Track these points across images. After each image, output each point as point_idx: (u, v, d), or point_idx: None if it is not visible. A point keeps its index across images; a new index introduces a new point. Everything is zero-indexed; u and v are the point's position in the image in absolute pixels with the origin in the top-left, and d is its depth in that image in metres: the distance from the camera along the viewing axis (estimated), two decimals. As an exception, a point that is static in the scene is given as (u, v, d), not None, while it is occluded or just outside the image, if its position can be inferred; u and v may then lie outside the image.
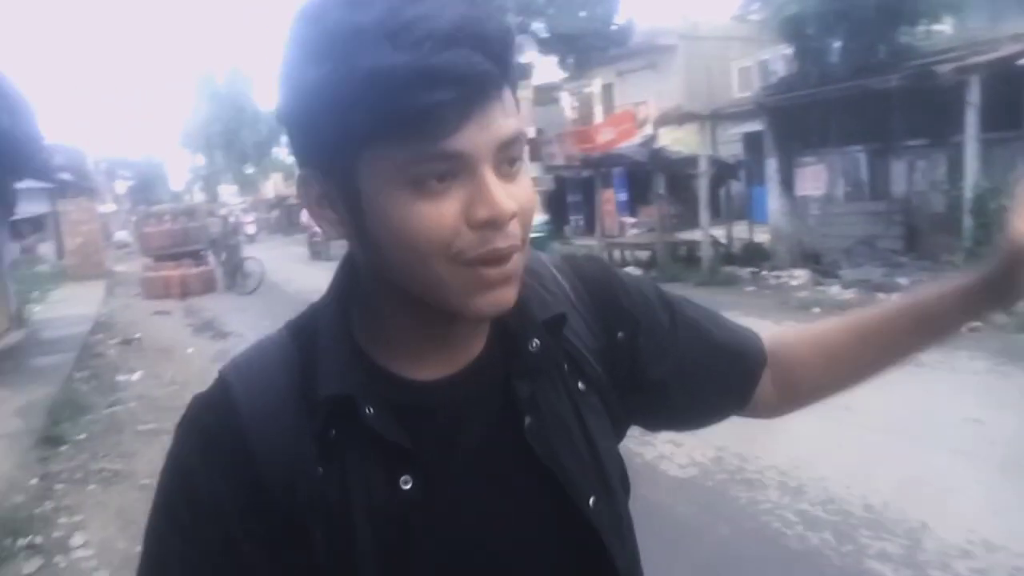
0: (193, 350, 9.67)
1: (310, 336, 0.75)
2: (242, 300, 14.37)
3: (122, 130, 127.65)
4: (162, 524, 0.73)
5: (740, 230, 14.47)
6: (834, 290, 10.49)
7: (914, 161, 11.59)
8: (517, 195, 0.66)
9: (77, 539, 4.13)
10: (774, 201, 12.89)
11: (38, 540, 4.11)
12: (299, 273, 17.69)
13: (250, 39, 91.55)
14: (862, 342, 0.91)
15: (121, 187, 54.23)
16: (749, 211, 13.76)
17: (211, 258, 18.03)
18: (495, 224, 0.64)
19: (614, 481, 0.81)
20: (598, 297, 0.86)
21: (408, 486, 0.71)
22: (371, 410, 0.70)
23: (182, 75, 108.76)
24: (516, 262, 0.68)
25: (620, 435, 0.88)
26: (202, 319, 12.36)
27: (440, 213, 0.63)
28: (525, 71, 16.45)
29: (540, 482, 0.75)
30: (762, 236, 13.78)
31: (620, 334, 0.86)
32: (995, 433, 4.86)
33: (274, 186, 46.50)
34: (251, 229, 32.53)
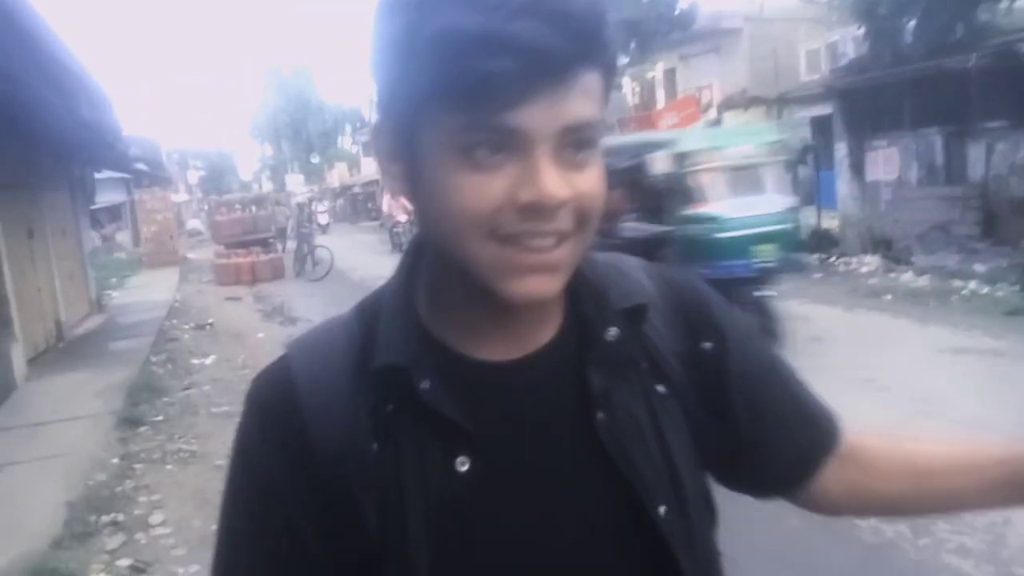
0: (264, 335, 9.94)
1: (374, 313, 0.74)
2: (310, 286, 14.70)
3: (194, 122, 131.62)
4: (229, 499, 0.74)
5: (808, 216, 14.10)
6: (906, 277, 10.19)
7: (993, 144, 11.12)
8: (577, 183, 0.62)
9: (156, 517, 4.31)
10: (843, 186, 12.56)
11: (120, 518, 4.29)
12: (365, 261, 17.99)
13: (314, 33, 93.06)
14: (956, 477, 0.82)
15: (193, 177, 55.87)
16: (817, 196, 13.40)
17: (279, 245, 18.46)
18: (538, 209, 0.61)
19: (692, 497, 0.75)
20: (685, 302, 0.81)
21: (465, 468, 0.68)
22: (427, 384, 0.68)
23: (252, 68, 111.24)
24: (561, 252, 0.64)
25: (704, 454, 0.79)
26: (271, 305, 12.68)
27: (484, 187, 0.61)
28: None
29: (607, 482, 0.71)
30: (830, 222, 13.43)
31: (706, 344, 0.79)
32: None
33: (339, 175, 47.30)
34: (324, 219, 31.34)
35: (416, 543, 0.67)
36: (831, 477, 0.84)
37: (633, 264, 0.83)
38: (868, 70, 11.79)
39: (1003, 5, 10.81)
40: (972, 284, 9.37)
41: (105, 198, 21.49)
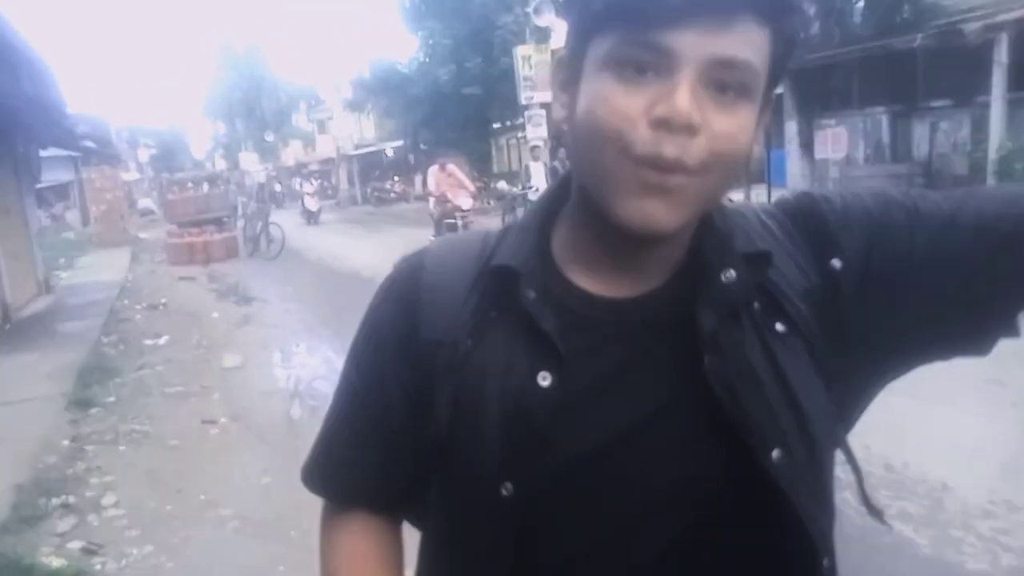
0: (218, 315, 9.82)
1: (511, 228, 0.81)
2: (266, 265, 14.53)
3: (145, 99, 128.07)
4: (351, 349, 0.84)
5: (759, 194, 14.35)
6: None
7: (937, 123, 11.42)
8: (715, 121, 0.63)
9: (108, 499, 4.27)
10: (793, 164, 12.80)
11: (71, 500, 4.24)
12: (323, 241, 17.81)
13: (267, 10, 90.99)
14: None
15: (144, 155, 54.61)
16: (768, 175, 13.63)
17: (234, 224, 18.18)
18: (670, 125, 0.62)
19: (819, 436, 0.73)
20: (805, 227, 0.78)
21: (546, 383, 0.70)
22: (532, 294, 0.73)
23: (203, 45, 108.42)
24: (684, 184, 0.64)
25: (841, 393, 0.77)
26: (226, 284, 12.51)
27: (626, 102, 0.63)
28: (544, 34, 16.30)
29: (712, 426, 0.70)
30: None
31: (835, 262, 0.75)
32: (1017, 396, 4.87)
33: (293, 153, 46.60)
34: (313, 205, 24.47)
35: (491, 440, 0.71)
36: None
37: (754, 208, 0.82)
38: (817, 50, 11.97)
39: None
40: None
41: (52, 176, 20.92)
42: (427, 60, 23.84)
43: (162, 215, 23.34)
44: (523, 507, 0.71)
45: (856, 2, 11.46)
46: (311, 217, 24.19)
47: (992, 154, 9.60)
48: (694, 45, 0.61)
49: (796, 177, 12.65)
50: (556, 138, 13.56)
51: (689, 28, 0.61)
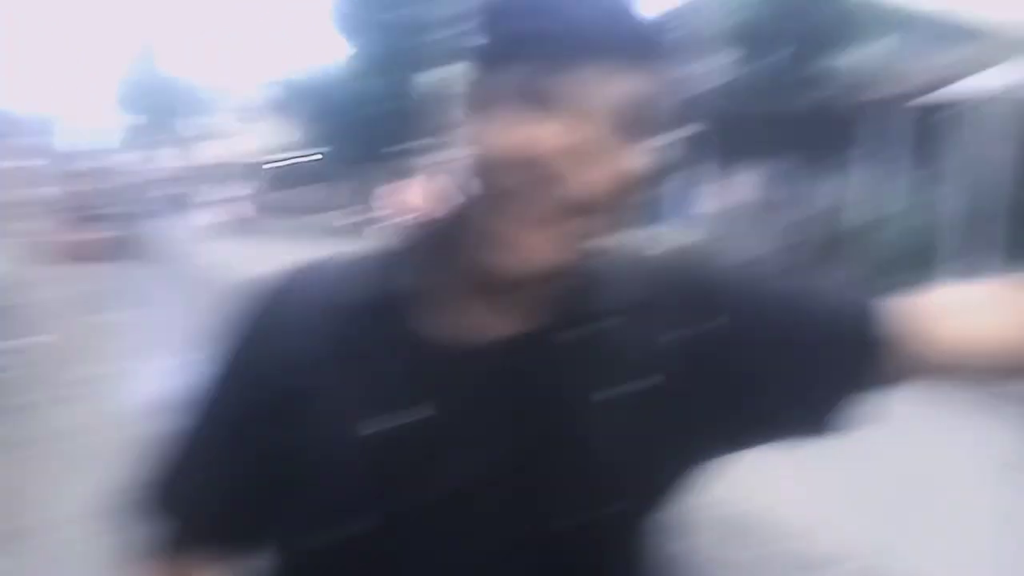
0: (97, 320, 9.39)
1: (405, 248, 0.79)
2: (151, 269, 13.99)
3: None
4: (199, 375, 0.80)
5: (658, 233, 14.70)
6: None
7: (826, 175, 12.02)
8: (617, 158, 0.65)
9: None
10: (695, 206, 13.20)
11: None
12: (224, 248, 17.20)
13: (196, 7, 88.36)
14: None
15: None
16: (671, 217, 13.99)
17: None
18: (576, 157, 0.63)
19: (660, 489, 0.77)
20: (688, 286, 0.80)
21: (401, 421, 0.70)
22: (397, 327, 0.72)
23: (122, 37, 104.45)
24: (582, 220, 0.65)
25: (697, 444, 0.78)
26: (108, 288, 11.98)
27: (532, 132, 0.63)
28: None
29: (559, 475, 0.72)
30: (687, 241, 14.03)
31: (711, 324, 0.76)
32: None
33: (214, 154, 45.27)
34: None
35: (342, 475, 0.71)
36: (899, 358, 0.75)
37: (636, 254, 0.83)
38: (718, 103, 12.44)
39: (837, 57, 11.63)
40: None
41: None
42: (357, 69, 23.39)
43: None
44: (373, 547, 0.71)
45: (761, 58, 11.95)
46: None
47: (868, 216, 10.09)
48: (600, 82, 0.63)
49: (700, 220, 13.03)
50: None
51: (595, 66, 0.63)
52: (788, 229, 12.01)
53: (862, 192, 11.02)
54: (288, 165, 34.02)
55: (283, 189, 34.29)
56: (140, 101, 48.89)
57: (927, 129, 9.98)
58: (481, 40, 0.70)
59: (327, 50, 38.18)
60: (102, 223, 17.02)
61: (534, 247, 0.65)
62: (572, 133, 0.63)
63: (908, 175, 10.30)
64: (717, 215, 13.02)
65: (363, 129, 23.20)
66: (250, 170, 37.35)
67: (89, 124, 59.85)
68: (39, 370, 6.79)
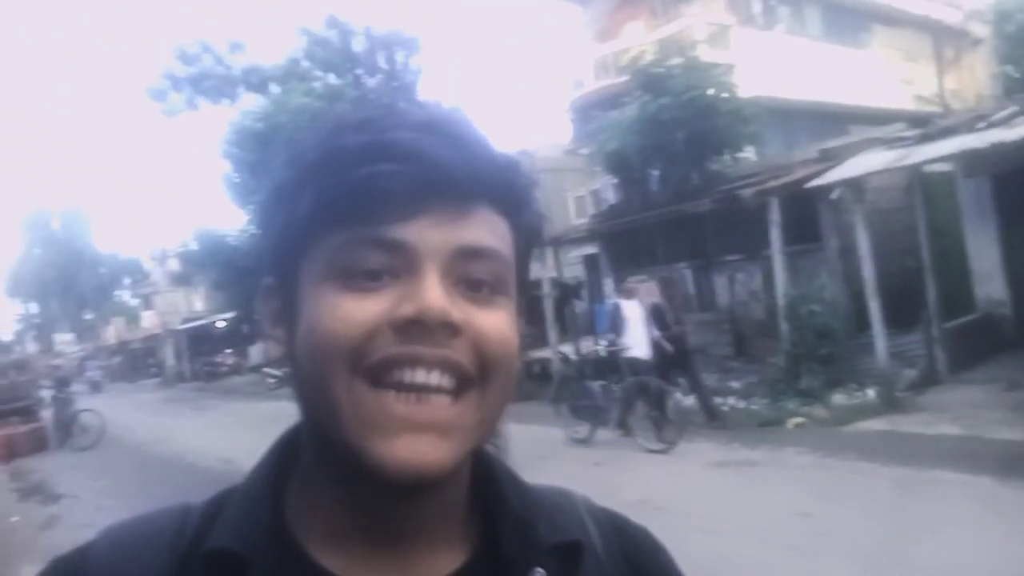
0: (19, 518, 8.87)
1: (229, 498, 0.61)
2: (77, 457, 13.36)
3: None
4: None
5: (588, 345, 15.08)
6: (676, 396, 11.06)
7: (733, 274, 12.70)
8: (477, 318, 0.53)
9: None
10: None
11: None
12: (145, 423, 16.69)
13: (88, 178, 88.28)
14: None
15: (-61, 341, 49.73)
16: (594, 327, 14.40)
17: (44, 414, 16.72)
18: (423, 327, 0.51)
19: None
20: (635, 553, 0.69)
21: None
22: None
23: (9, 216, 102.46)
24: (457, 409, 0.53)
25: None
26: (30, 482, 11.38)
27: (358, 308, 0.52)
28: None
29: None
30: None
31: None
32: (823, 525, 5.22)
33: (116, 332, 44.08)
34: (96, 376, 31.96)
35: None
36: None
37: (577, 499, 0.71)
38: (623, 214, 13.20)
39: (727, 157, 12.60)
40: (731, 400, 10.37)
41: None
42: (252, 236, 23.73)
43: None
44: None
45: (652, 172, 12.82)
46: (95, 387, 29.87)
47: (780, 300, 10.70)
48: (433, 236, 0.53)
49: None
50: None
51: (425, 218, 0.53)
52: (704, 325, 12.58)
53: (766, 280, 11.68)
54: (197, 329, 33.48)
55: (196, 355, 33.53)
56: (44, 285, 47.47)
57: (816, 212, 10.85)
58: (273, 221, 0.58)
59: (225, 217, 38.53)
60: (26, 415, 16.27)
61: (411, 449, 0.51)
62: (414, 296, 0.52)
63: (806, 258, 11.05)
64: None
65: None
66: (158, 340, 36.46)
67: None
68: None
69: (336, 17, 19.88)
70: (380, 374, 0.51)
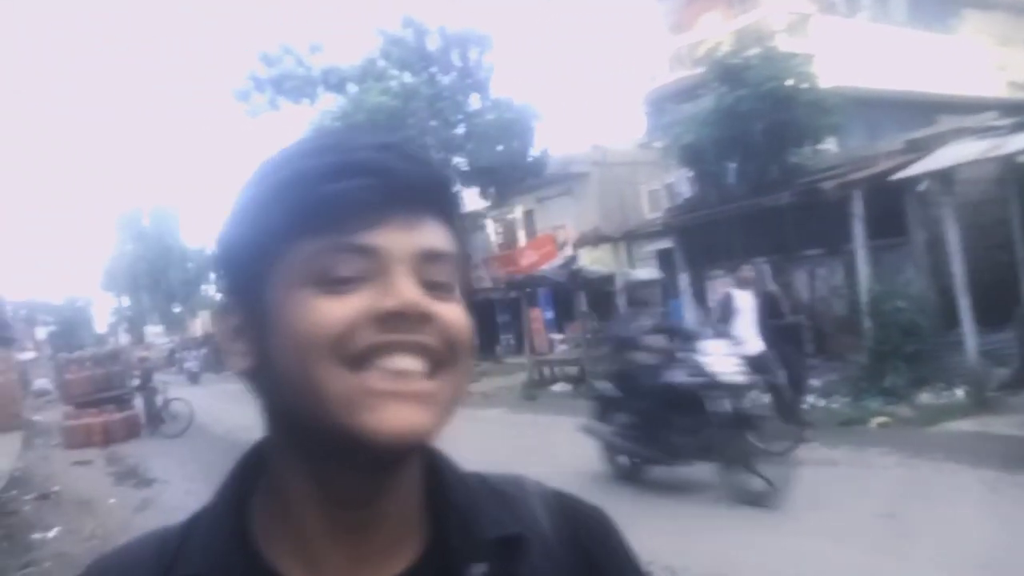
0: (115, 500, 9.35)
1: (197, 520, 0.67)
2: (167, 444, 13.99)
3: (42, 273, 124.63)
4: None
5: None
6: (752, 394, 10.87)
7: (813, 269, 12.36)
8: (441, 310, 0.60)
9: None
10: (688, 313, 13.46)
11: None
12: (232, 412, 17.31)
13: (177, 176, 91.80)
14: None
15: (42, 332, 52.55)
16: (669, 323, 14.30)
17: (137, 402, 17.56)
18: (403, 317, 0.57)
19: None
20: (586, 539, 0.72)
21: None
22: None
23: (104, 214, 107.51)
24: (435, 383, 0.59)
25: None
26: (125, 467, 11.96)
27: (338, 306, 0.57)
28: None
29: None
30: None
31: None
32: (908, 528, 5.07)
33: (202, 324, 45.79)
34: (194, 367, 33.64)
35: None
36: None
37: (529, 487, 0.74)
38: (699, 208, 13.01)
39: (807, 149, 12.29)
40: (811, 398, 10.12)
41: (-62, 362, 19.88)
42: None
43: (59, 395, 22.30)
44: None
45: (729, 165, 12.59)
46: (193, 378, 31.66)
47: (863, 296, 10.38)
48: (399, 240, 0.59)
49: (692, 323, 13.32)
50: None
51: (390, 226, 0.59)
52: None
53: (848, 275, 11.36)
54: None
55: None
56: (135, 279, 49.49)
57: (902, 205, 10.48)
58: (240, 241, 0.62)
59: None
60: (120, 403, 17.12)
61: (400, 416, 0.57)
62: (391, 293, 0.58)
63: (890, 252, 10.69)
64: (708, 318, 13.31)
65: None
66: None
67: (86, 305, 60.43)
68: (78, 559, 6.75)
69: (411, 17, 20.11)
70: (361, 362, 0.57)
